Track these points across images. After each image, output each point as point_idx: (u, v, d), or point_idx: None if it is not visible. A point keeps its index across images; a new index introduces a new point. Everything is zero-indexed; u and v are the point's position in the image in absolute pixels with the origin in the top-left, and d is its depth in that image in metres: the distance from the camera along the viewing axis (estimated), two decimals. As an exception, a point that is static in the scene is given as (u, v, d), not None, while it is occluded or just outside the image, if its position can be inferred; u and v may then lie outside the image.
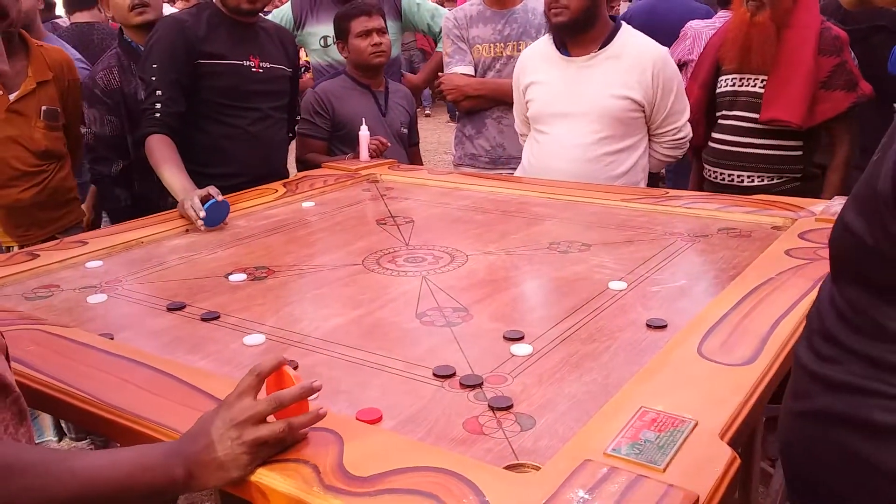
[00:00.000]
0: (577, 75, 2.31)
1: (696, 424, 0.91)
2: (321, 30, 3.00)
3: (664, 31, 4.05)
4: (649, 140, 2.39)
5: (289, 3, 3.15)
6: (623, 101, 2.27)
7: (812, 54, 2.33)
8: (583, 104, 2.29)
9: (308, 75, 3.51)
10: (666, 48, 2.40)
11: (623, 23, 2.38)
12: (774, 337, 1.14)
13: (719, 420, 0.92)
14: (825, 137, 2.51)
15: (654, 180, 4.72)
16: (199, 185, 1.95)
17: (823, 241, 1.56)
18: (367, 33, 2.64)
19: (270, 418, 0.88)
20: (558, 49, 2.36)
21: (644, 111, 2.30)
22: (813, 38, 2.34)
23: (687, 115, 2.38)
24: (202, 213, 1.83)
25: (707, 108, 2.61)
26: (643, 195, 2.06)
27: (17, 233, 2.21)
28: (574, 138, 2.31)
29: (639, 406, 0.95)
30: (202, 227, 1.84)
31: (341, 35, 2.70)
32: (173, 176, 2.01)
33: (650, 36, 4.35)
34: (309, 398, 0.92)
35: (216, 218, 1.87)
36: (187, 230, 1.88)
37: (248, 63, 2.28)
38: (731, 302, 1.27)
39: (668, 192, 2.09)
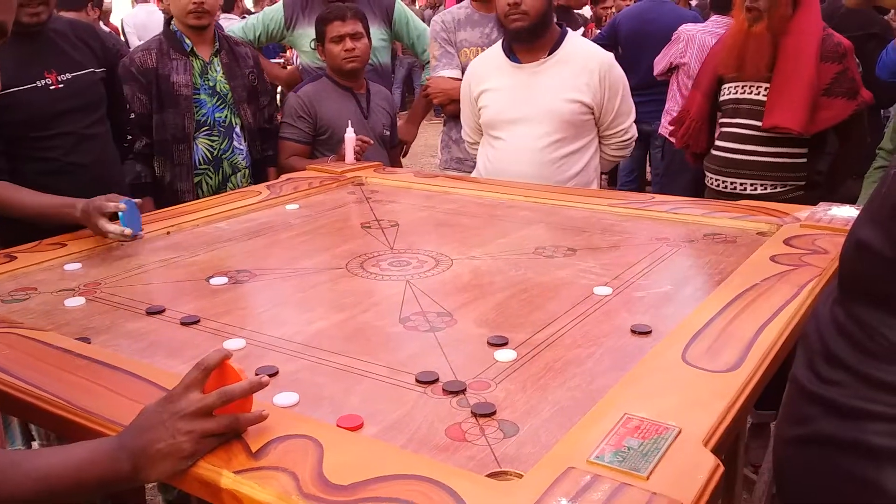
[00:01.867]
0: (529, 81, 2.37)
1: (679, 432, 0.90)
2: (312, 32, 2.98)
3: (653, 35, 4.08)
4: (599, 141, 2.47)
5: (280, 3, 3.13)
6: (574, 104, 2.34)
7: (813, 61, 2.34)
8: (536, 109, 2.35)
9: (290, 67, 3.49)
10: (611, 53, 2.46)
11: (569, 29, 2.46)
12: (759, 343, 1.13)
13: (703, 427, 0.91)
14: (831, 145, 2.52)
15: (641, 185, 4.72)
16: (29, 233, 1.77)
17: (808, 248, 1.56)
18: (340, 38, 2.64)
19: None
20: (507, 56, 2.40)
21: (593, 113, 2.38)
22: (814, 44, 2.35)
23: (632, 116, 2.46)
24: (127, 231, 1.64)
25: (709, 115, 2.62)
26: (629, 200, 2.06)
27: None
28: (529, 142, 2.36)
29: (622, 413, 0.94)
30: (131, 237, 1.67)
31: (319, 38, 2.71)
32: (34, 201, 1.76)
33: (639, 40, 4.37)
34: (287, 404, 0.91)
35: (136, 223, 1.69)
36: (168, 232, 1.86)
37: (45, 81, 1.95)
38: (716, 308, 1.26)
39: (654, 197, 2.08)
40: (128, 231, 1.64)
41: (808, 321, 0.94)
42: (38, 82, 1.94)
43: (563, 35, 2.40)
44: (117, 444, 0.87)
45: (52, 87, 1.96)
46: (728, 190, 2.52)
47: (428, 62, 3.14)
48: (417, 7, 10.63)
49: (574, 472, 0.82)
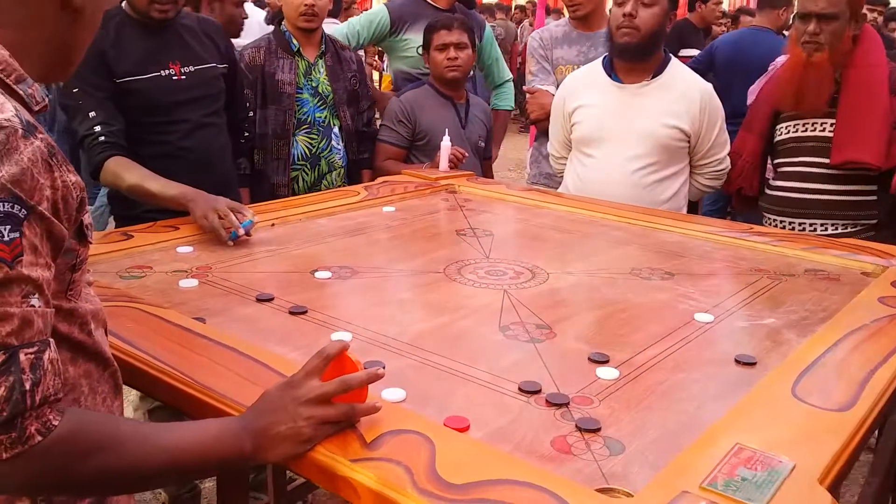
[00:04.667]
0: (630, 101, 2.36)
1: (794, 467, 0.89)
2: (420, 39, 3.02)
3: (748, 64, 4.00)
4: (691, 170, 2.45)
5: (383, 6, 3.19)
6: (672, 129, 2.33)
7: (886, 93, 2.26)
8: (633, 130, 2.34)
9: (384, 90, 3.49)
10: (710, 84, 2.43)
11: (672, 56, 2.45)
12: (872, 384, 1.11)
13: (818, 465, 0.90)
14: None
15: (723, 215, 4.63)
16: (137, 213, 1.93)
17: (918, 292, 1.52)
18: (444, 47, 2.68)
19: None
20: (608, 75, 2.40)
21: (689, 141, 2.37)
22: (884, 76, 2.27)
23: (727, 148, 2.44)
24: (241, 231, 1.70)
25: (762, 157, 2.53)
26: (726, 228, 2.03)
27: None
28: (622, 163, 2.35)
29: (734, 442, 0.93)
30: (229, 243, 1.71)
31: (426, 46, 2.75)
32: (161, 185, 1.84)
33: (735, 67, 4.29)
34: (395, 400, 0.93)
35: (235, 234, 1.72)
36: (273, 224, 1.92)
37: (168, 71, 2.03)
38: (826, 345, 1.24)
39: (752, 228, 2.05)
40: (241, 231, 1.69)
41: None
42: (162, 72, 2.02)
43: (667, 60, 2.40)
44: (241, 425, 0.91)
45: (174, 78, 2.04)
46: (795, 231, 2.43)
47: (498, 84, 3.18)
48: (496, 21, 10.67)
49: (688, 496, 0.82)
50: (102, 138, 1.90)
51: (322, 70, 2.63)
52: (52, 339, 0.79)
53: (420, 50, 2.94)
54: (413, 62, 3.04)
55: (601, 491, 0.88)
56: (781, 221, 2.40)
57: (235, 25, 2.99)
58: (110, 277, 1.51)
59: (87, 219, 0.92)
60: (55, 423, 0.76)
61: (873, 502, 1.59)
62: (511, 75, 3.40)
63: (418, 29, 2.97)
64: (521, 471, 0.87)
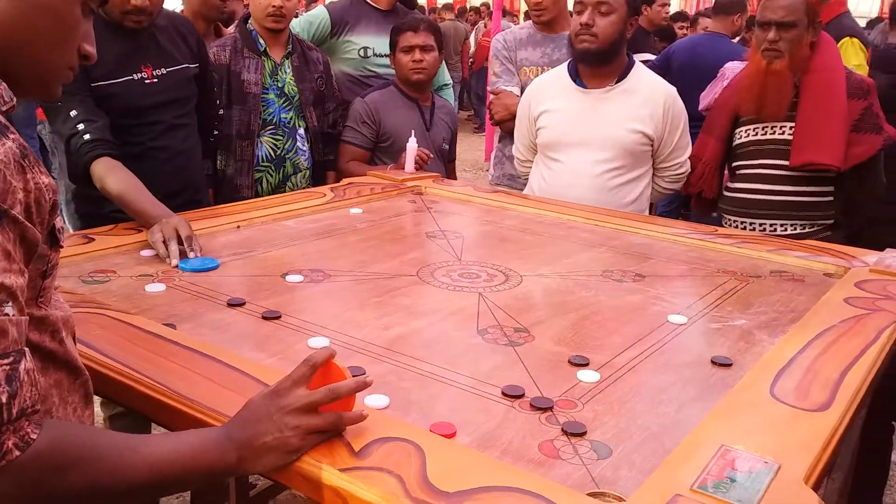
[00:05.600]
0: (595, 106, 2.39)
1: (779, 467, 0.90)
2: (362, 40, 2.99)
3: (704, 68, 4.07)
4: (652, 172, 2.49)
5: (322, 8, 3.14)
6: (637, 134, 2.36)
7: (844, 96, 2.32)
8: (598, 135, 2.37)
9: None
10: (674, 87, 2.46)
11: (636, 59, 2.47)
12: (846, 384, 1.13)
13: (802, 465, 0.91)
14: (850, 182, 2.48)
15: (677, 216, 4.70)
16: (104, 212, 1.88)
17: (881, 293, 1.56)
18: (410, 49, 2.66)
19: None
20: (573, 80, 2.42)
21: (652, 145, 2.40)
22: (842, 81, 2.33)
23: (688, 151, 2.48)
24: (174, 262, 1.58)
25: (722, 160, 2.58)
26: (691, 230, 2.06)
27: None
28: (587, 167, 2.38)
29: (719, 444, 0.94)
30: (171, 262, 1.59)
31: (392, 48, 2.73)
32: (139, 201, 1.77)
33: (691, 72, 4.37)
34: (379, 406, 0.91)
35: (196, 266, 1.58)
36: (238, 226, 1.88)
37: (141, 75, 2.00)
38: (798, 346, 1.26)
39: (717, 230, 2.08)
40: (175, 262, 1.58)
41: None
42: (135, 75, 1.98)
43: (631, 65, 2.42)
44: (225, 435, 0.88)
45: (147, 81, 2.00)
46: (755, 232, 2.48)
47: (436, 89, 3.10)
48: (445, 22, 10.67)
49: (682, 499, 0.82)
50: (88, 136, 1.84)
51: (288, 70, 2.59)
52: (27, 349, 0.75)
53: (365, 52, 2.92)
54: (356, 64, 3.01)
55: (593, 495, 0.87)
56: (742, 222, 2.45)
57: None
58: (73, 282, 1.45)
59: (59, 222, 0.88)
60: (33, 436, 0.73)
61: (839, 496, 1.62)
62: (451, 80, 3.37)
63: (360, 31, 2.95)
64: (514, 477, 0.86)
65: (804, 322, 1.39)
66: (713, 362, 1.25)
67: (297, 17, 3.36)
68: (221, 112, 2.40)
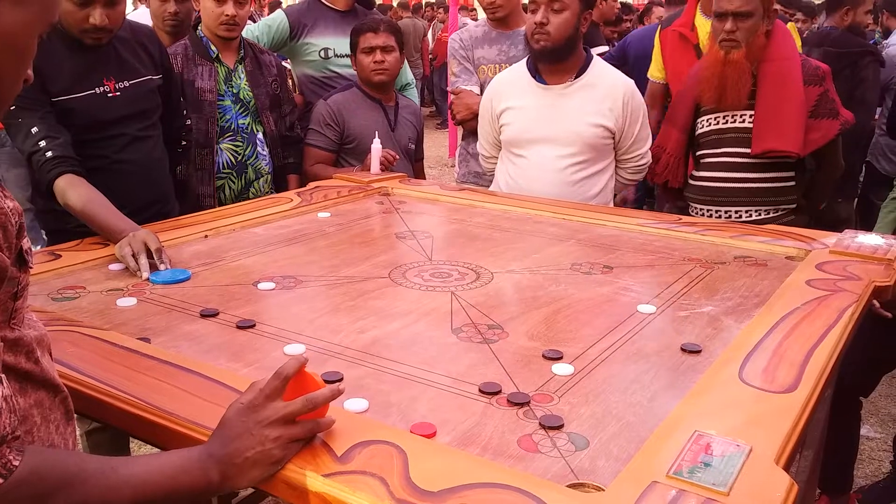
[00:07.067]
0: (555, 102, 2.42)
1: (751, 450, 0.93)
2: (321, 42, 2.99)
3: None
4: (615, 165, 2.53)
5: (280, 12, 3.13)
6: (597, 128, 2.40)
7: (800, 84, 2.38)
8: (560, 130, 2.40)
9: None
10: (632, 80, 2.50)
11: (594, 54, 2.51)
12: (812, 365, 1.17)
13: (772, 446, 0.94)
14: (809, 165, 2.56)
15: (640, 206, 4.78)
16: (69, 227, 1.85)
17: (841, 274, 1.61)
18: (371, 50, 2.66)
19: None
20: (533, 76, 2.45)
21: (614, 138, 2.44)
22: (797, 68, 2.39)
23: (649, 142, 2.53)
24: (145, 275, 1.57)
25: (686, 149, 2.63)
26: (656, 219, 2.10)
27: None
28: (551, 162, 2.42)
29: (693, 430, 0.97)
30: (142, 275, 1.58)
31: (352, 49, 2.73)
32: (103, 215, 1.75)
33: (646, 61, 4.43)
34: (358, 410, 0.92)
35: (168, 278, 1.57)
36: (206, 236, 1.87)
37: (103, 88, 1.96)
38: (763, 329, 1.30)
39: (681, 218, 2.12)
40: (146, 275, 1.57)
41: None
42: (96, 89, 1.95)
43: (589, 60, 2.45)
44: (205, 453, 0.88)
45: (109, 95, 1.97)
46: (721, 219, 2.54)
47: (398, 88, 3.07)
48: (403, 20, 10.65)
49: (659, 486, 0.84)
50: (49, 153, 1.81)
51: (242, 76, 2.57)
52: (3, 375, 0.75)
53: (325, 52, 2.91)
54: (317, 66, 3.00)
55: (573, 487, 0.90)
56: (708, 210, 2.50)
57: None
58: (42, 300, 1.44)
59: (27, 243, 0.87)
60: (15, 463, 0.72)
61: (810, 472, 1.67)
62: (413, 79, 3.38)
63: (319, 32, 2.94)
64: (494, 473, 0.88)
65: (768, 306, 1.42)
66: (683, 349, 1.28)
67: (253, 21, 3.32)
68: (189, 122, 2.37)
